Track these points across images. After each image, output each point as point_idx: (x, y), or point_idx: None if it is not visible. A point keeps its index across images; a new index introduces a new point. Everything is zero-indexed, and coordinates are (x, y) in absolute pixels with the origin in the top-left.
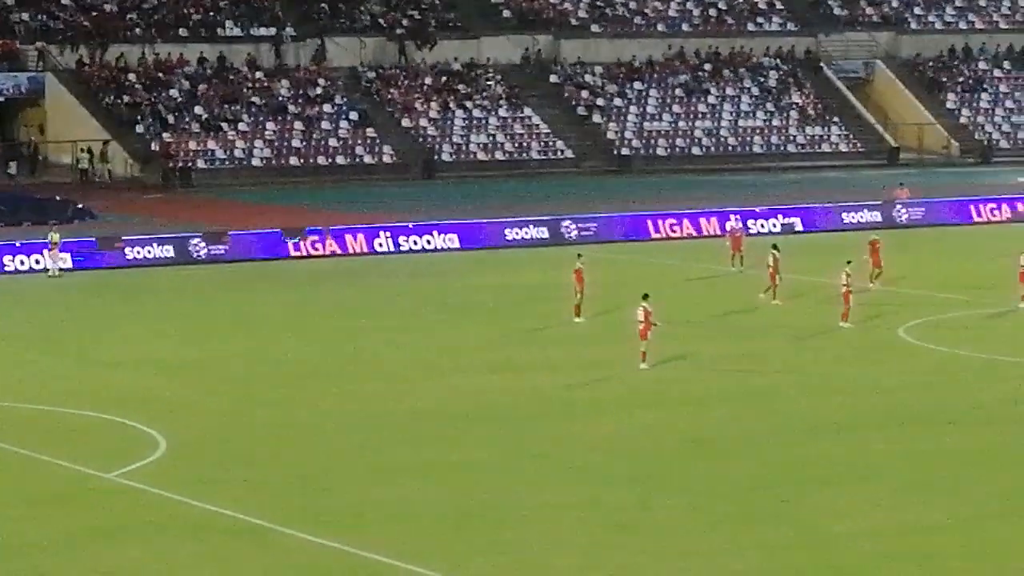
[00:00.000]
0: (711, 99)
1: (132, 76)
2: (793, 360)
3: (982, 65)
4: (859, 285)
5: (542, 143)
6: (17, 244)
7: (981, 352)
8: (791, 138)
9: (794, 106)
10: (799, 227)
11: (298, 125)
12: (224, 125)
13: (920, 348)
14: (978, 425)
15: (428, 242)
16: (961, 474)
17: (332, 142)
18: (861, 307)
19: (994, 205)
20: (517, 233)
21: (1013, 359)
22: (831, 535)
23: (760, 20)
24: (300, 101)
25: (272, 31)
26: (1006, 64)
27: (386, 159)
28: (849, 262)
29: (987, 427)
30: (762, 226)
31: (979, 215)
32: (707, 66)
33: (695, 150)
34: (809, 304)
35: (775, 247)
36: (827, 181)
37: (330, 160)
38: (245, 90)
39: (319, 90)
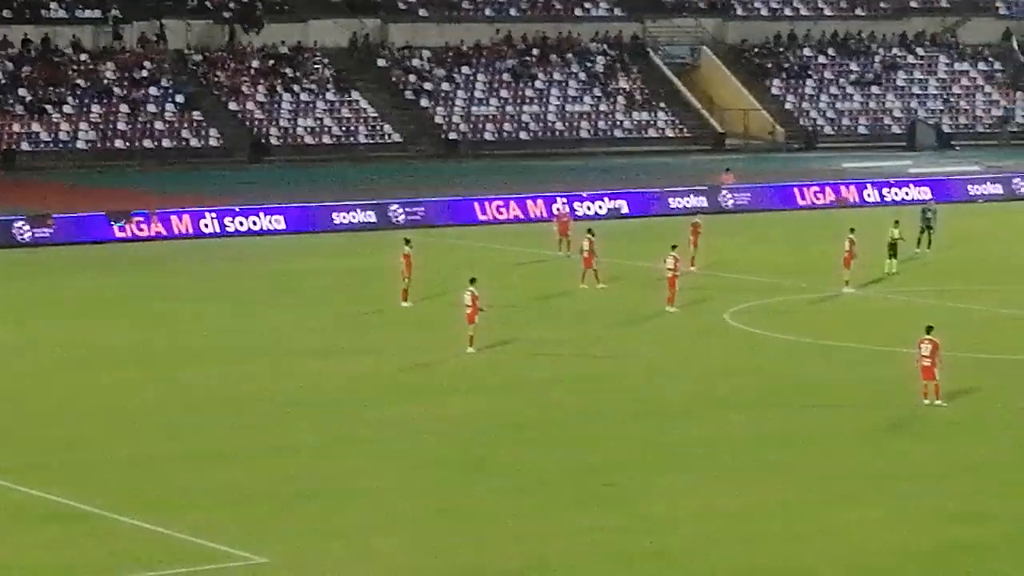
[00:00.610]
0: (538, 84)
1: None
2: (619, 344)
3: (807, 52)
4: (684, 269)
5: (370, 127)
6: None
7: (806, 336)
8: (618, 123)
9: (621, 91)
10: (625, 211)
11: (124, 108)
12: (48, 107)
13: (746, 332)
14: (803, 409)
15: (254, 223)
16: (785, 458)
17: (158, 125)
18: (687, 291)
19: (818, 189)
20: (344, 217)
21: (838, 343)
22: (655, 519)
23: (587, 5)
24: (126, 84)
25: (98, 13)
26: (830, 51)
27: (213, 142)
28: (674, 247)
29: (811, 411)
30: (588, 209)
31: (803, 199)
32: (534, 51)
33: (523, 135)
34: (635, 288)
35: (590, 231)
36: (653, 166)
37: (156, 143)
38: (70, 72)
39: (145, 73)
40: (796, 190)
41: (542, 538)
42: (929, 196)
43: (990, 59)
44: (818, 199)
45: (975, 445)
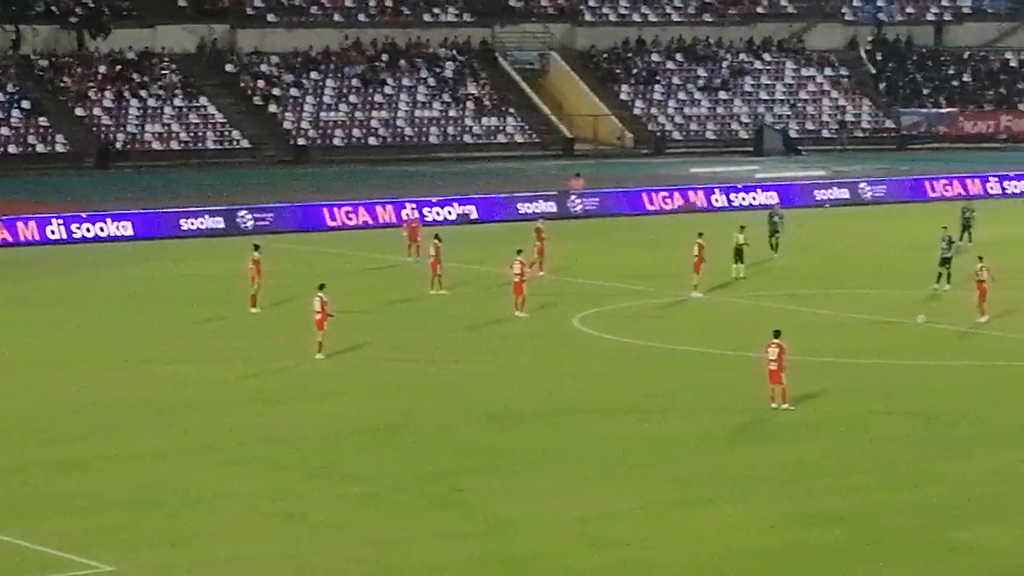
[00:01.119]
0: (387, 89)
1: None
2: (469, 349)
3: (655, 57)
4: (532, 274)
5: (218, 133)
6: None
7: (655, 341)
8: (467, 128)
9: (470, 97)
10: (475, 216)
11: None
12: None
13: (595, 337)
14: (653, 413)
15: (102, 230)
16: (637, 462)
17: (4, 131)
18: (536, 296)
19: (666, 194)
20: (192, 223)
21: (687, 347)
22: (506, 522)
23: (436, 11)
24: None
25: None
26: (678, 56)
27: (59, 148)
28: (520, 251)
29: (662, 415)
30: (437, 214)
31: (652, 204)
32: (384, 57)
33: (372, 140)
34: (484, 293)
35: (437, 237)
36: (503, 171)
37: (2, 149)
38: None
39: None
40: (645, 195)
41: (391, 543)
42: (776, 201)
43: (836, 65)
44: (667, 204)
45: (822, 448)
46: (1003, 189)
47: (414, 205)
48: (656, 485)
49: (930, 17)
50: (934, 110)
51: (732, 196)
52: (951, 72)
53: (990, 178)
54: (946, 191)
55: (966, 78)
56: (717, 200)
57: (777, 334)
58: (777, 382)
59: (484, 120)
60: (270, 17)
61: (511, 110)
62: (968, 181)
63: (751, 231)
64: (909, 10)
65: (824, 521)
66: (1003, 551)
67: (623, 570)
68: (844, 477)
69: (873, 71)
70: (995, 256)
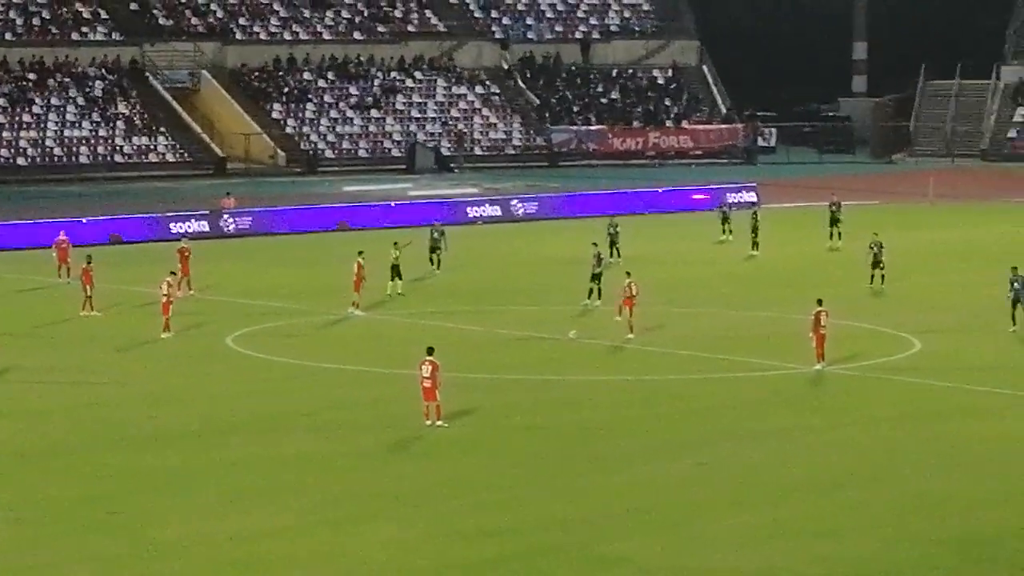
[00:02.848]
0: (36, 109)
1: None
2: (121, 370)
3: (307, 75)
4: (178, 294)
5: None
6: None
7: (310, 359)
8: (118, 148)
9: (120, 116)
10: (126, 237)
11: None
12: None
13: (249, 356)
14: (308, 432)
15: None
16: (291, 480)
17: None
18: (187, 316)
19: (320, 213)
20: None
21: (343, 366)
22: (162, 544)
23: (85, 30)
24: None
25: None
26: (330, 75)
27: None
28: (173, 273)
29: (315, 434)
30: (88, 235)
31: (306, 223)
32: (31, 76)
33: (20, 160)
34: (134, 314)
35: (89, 258)
36: (154, 191)
37: None
38: None
39: None
40: (298, 214)
41: (45, 569)
42: (436, 221)
43: (487, 82)
44: (321, 223)
45: (476, 464)
46: (652, 205)
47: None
48: (311, 504)
49: (578, 35)
50: (584, 127)
51: (386, 214)
52: (600, 90)
53: (640, 194)
54: (596, 208)
55: (614, 95)
56: (371, 218)
57: (431, 351)
58: (431, 399)
59: (135, 139)
60: None
61: (162, 129)
62: (618, 197)
63: (410, 247)
64: (558, 28)
65: (478, 537)
66: (653, 564)
67: None
68: (497, 492)
69: (524, 88)
70: (643, 272)
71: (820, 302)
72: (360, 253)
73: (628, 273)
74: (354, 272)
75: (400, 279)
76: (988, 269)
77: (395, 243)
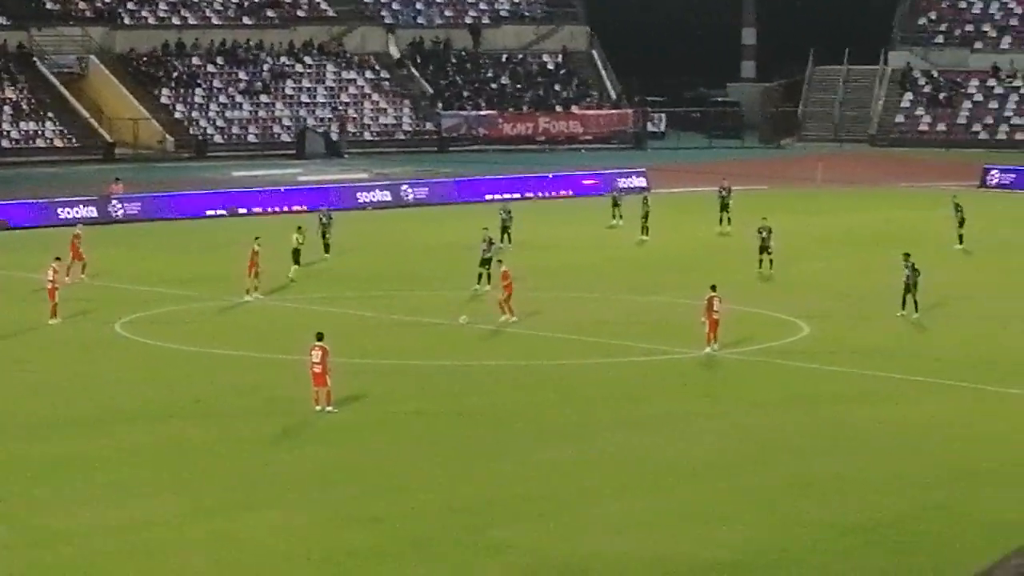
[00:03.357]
0: None
1: None
2: (7, 358)
3: (196, 60)
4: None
5: None
6: None
7: (201, 346)
8: (5, 133)
9: (7, 101)
10: (12, 223)
11: None
12: None
13: (138, 343)
14: (197, 418)
15: None
16: (180, 467)
17: None
18: (75, 302)
19: (212, 198)
20: None
21: (233, 352)
22: (50, 532)
23: None
24: None
25: None
26: (219, 59)
27: None
28: (58, 259)
29: (204, 420)
30: None
31: (197, 208)
32: None
33: None
34: (22, 301)
35: None
36: (42, 176)
37: None
38: None
39: None
40: (188, 199)
41: None
42: (323, 205)
43: (376, 67)
44: (212, 208)
45: (364, 450)
46: (542, 190)
47: None
48: (205, 490)
49: (468, 20)
50: (474, 112)
51: (276, 199)
52: (490, 75)
53: (532, 179)
54: (487, 193)
55: (504, 81)
56: (262, 204)
57: (320, 337)
58: (321, 384)
59: (22, 125)
60: None
61: (50, 114)
62: (509, 182)
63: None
64: (448, 13)
65: (366, 523)
66: (539, 550)
67: (169, 575)
68: (385, 479)
69: (412, 75)
70: (531, 257)
71: (713, 287)
72: (256, 239)
73: (500, 261)
74: (248, 257)
75: (299, 265)
76: (876, 254)
77: (299, 227)
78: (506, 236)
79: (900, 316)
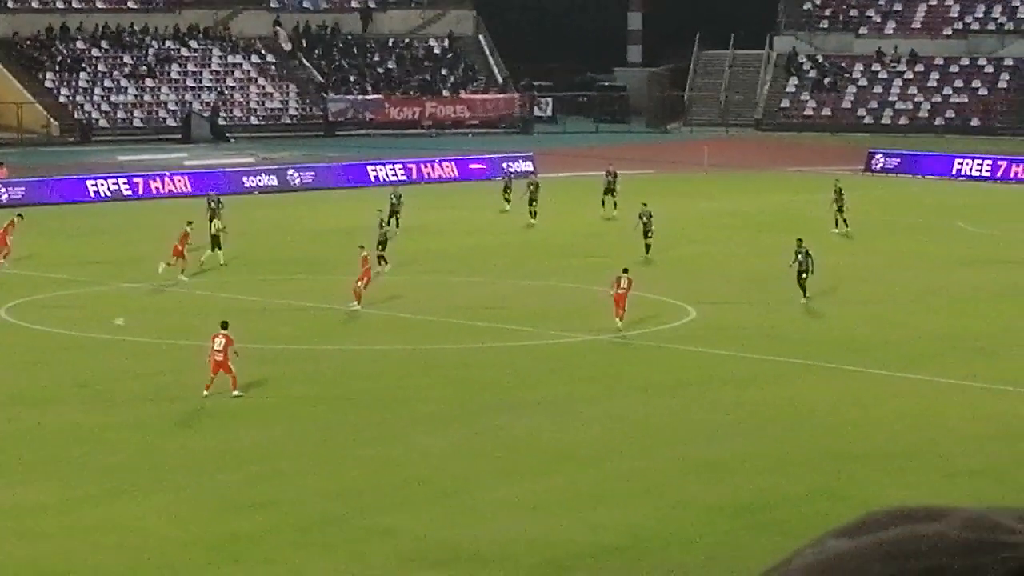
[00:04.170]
0: None
1: None
2: None
3: (80, 44)
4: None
5: None
6: None
7: (84, 331)
8: None
9: None
10: None
11: None
12: None
13: (23, 328)
14: (80, 403)
15: None
16: (68, 453)
17: None
18: None
19: (103, 182)
20: None
21: (118, 337)
22: None
23: None
24: None
25: None
26: (104, 43)
27: None
28: None
29: (88, 405)
30: None
31: (81, 192)
32: None
33: None
34: None
35: None
36: None
37: None
38: None
39: None
40: (72, 184)
41: None
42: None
43: (262, 51)
44: (108, 191)
45: (253, 435)
46: (429, 175)
47: None
48: (88, 476)
49: (355, 4)
50: (360, 97)
51: (157, 184)
52: (377, 59)
53: (417, 163)
54: (375, 176)
55: (391, 65)
56: (150, 187)
57: (225, 325)
58: (225, 371)
59: None
60: None
61: None
62: (396, 167)
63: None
64: None
65: (251, 508)
66: (424, 535)
67: (51, 561)
68: (272, 463)
69: (298, 59)
70: (421, 241)
71: (625, 270)
72: (189, 223)
73: (361, 247)
74: (178, 239)
75: (220, 249)
76: (762, 238)
77: (217, 205)
78: (394, 220)
79: (804, 303)
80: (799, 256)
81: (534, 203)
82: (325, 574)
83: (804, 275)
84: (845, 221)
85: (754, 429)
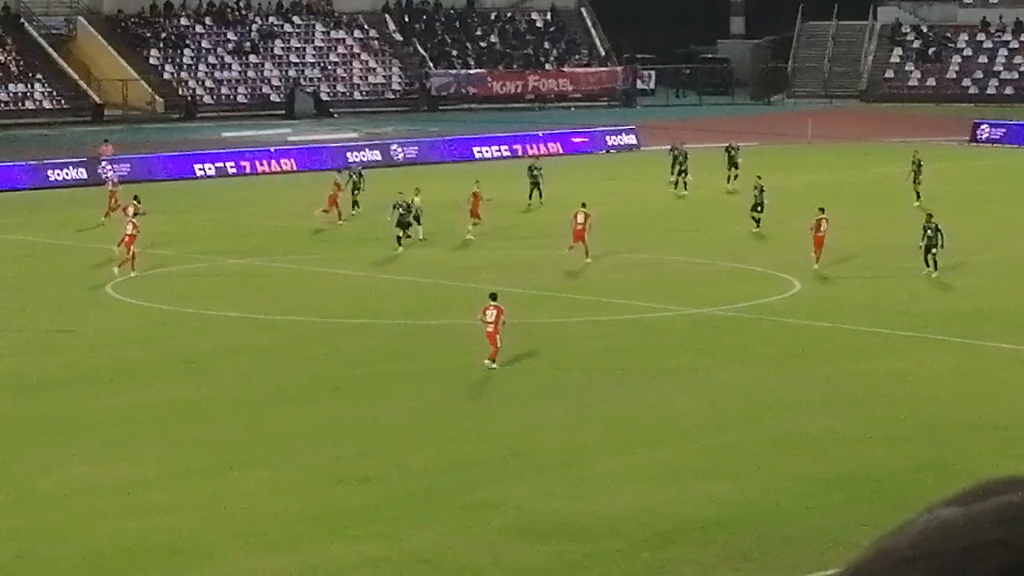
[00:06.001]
0: None
1: None
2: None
3: (184, 21)
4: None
5: None
6: None
7: (192, 307)
8: None
9: None
10: (4, 186)
11: None
12: None
13: (130, 304)
14: (187, 378)
15: None
16: (174, 428)
17: None
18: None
19: (204, 159)
20: None
21: (232, 313)
22: (41, 493)
23: None
24: None
25: None
26: (207, 20)
27: None
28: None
29: (195, 380)
30: None
31: (186, 169)
32: None
33: None
34: (11, 262)
35: None
36: (31, 138)
37: None
38: None
39: None
40: (177, 160)
41: None
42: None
43: (365, 27)
44: (208, 171)
45: (358, 409)
46: (557, 149)
47: None
48: (193, 451)
49: None
50: (463, 71)
51: (263, 162)
52: (479, 33)
53: (531, 140)
54: (479, 152)
55: (494, 39)
56: (252, 164)
57: (494, 296)
58: (492, 342)
59: (11, 87)
60: None
61: (39, 76)
62: (507, 143)
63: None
64: None
65: (357, 483)
66: (531, 507)
67: (159, 535)
68: (377, 438)
69: (401, 34)
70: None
71: (822, 210)
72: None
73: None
74: (467, 200)
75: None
76: (865, 210)
77: (417, 189)
78: (536, 192)
79: (933, 276)
80: (927, 231)
81: (683, 173)
82: (431, 547)
83: (933, 250)
84: (918, 194)
85: (858, 402)
